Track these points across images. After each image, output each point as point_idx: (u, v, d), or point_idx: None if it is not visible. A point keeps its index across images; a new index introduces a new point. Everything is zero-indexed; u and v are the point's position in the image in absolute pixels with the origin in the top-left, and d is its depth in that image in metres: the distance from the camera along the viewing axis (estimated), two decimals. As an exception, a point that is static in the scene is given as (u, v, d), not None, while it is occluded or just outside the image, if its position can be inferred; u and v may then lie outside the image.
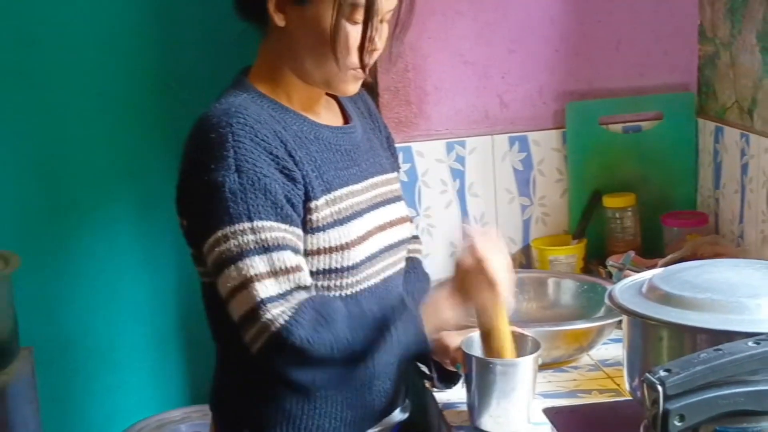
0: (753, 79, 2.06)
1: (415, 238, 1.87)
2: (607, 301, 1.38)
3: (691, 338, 1.26)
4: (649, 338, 1.33)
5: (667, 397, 1.04)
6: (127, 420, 2.69)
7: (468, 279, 1.50)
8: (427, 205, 2.26)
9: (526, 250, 2.30)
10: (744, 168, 2.10)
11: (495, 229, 1.55)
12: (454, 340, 1.67)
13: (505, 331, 1.57)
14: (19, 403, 2.40)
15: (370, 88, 1.80)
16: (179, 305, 2.76)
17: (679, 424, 1.04)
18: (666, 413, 1.04)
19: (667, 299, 1.31)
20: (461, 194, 2.27)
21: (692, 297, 1.29)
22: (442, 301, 1.53)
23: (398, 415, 1.73)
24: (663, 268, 1.42)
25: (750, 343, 1.08)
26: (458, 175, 2.26)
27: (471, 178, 2.26)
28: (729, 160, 2.16)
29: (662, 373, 1.05)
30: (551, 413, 1.45)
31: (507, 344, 1.58)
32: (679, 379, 1.04)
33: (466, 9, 2.21)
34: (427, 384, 1.77)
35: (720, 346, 1.08)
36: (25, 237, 2.62)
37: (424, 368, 1.75)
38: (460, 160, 2.26)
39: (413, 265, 1.82)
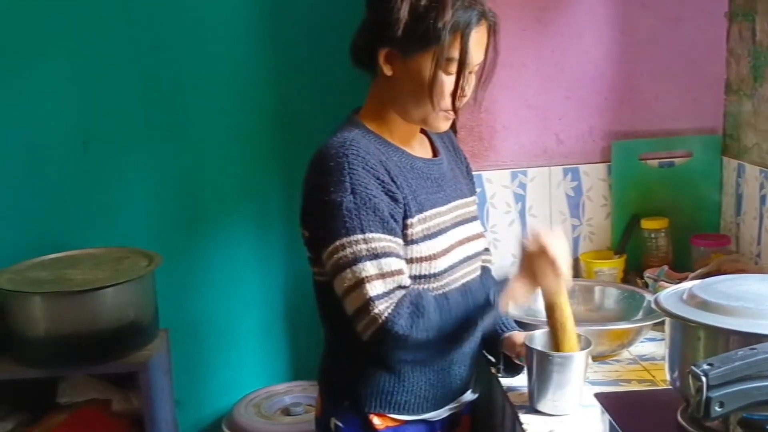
0: (772, 124, 2.02)
1: (487, 250, 1.86)
2: (653, 305, 1.36)
3: (725, 339, 1.23)
4: (689, 338, 1.30)
5: (710, 387, 1.02)
6: (241, 390, 2.72)
7: (533, 262, 1.49)
8: (493, 223, 2.25)
9: (575, 263, 2.27)
10: (762, 199, 2.05)
11: (559, 230, 1.54)
12: (520, 338, 1.66)
13: (565, 307, 1.55)
14: (157, 374, 2.44)
15: (451, 125, 1.80)
16: (286, 298, 2.78)
17: (719, 409, 1.03)
18: (708, 400, 1.02)
19: (705, 305, 1.29)
20: (522, 215, 2.26)
21: (727, 304, 1.26)
22: (512, 284, 1.51)
23: (469, 396, 1.73)
24: (701, 280, 1.39)
25: (781, 344, 1.06)
26: (520, 199, 2.25)
27: (531, 202, 2.25)
28: (749, 192, 2.12)
29: (705, 367, 1.03)
30: (601, 398, 1.43)
31: (568, 322, 1.56)
32: (720, 371, 1.02)
33: (531, 63, 2.19)
34: (493, 371, 1.77)
35: (755, 346, 1.06)
36: (166, 240, 2.65)
37: (491, 358, 1.75)
38: (522, 186, 2.24)
39: (486, 272, 1.81)
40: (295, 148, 1.67)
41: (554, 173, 2.24)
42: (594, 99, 2.22)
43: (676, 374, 1.32)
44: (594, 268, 2.19)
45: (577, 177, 2.25)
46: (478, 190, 2.21)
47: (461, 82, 1.52)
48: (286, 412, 2.60)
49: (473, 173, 2.15)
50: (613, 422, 1.35)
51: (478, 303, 1.50)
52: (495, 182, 2.23)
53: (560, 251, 1.47)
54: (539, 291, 1.55)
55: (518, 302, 1.54)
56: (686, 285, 1.38)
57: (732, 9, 2.18)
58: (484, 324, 1.53)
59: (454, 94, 1.53)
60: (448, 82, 1.52)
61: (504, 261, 2.20)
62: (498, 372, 1.74)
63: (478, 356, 1.73)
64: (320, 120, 1.65)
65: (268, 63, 2.63)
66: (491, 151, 2.23)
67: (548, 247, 1.47)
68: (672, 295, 1.36)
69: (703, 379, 1.02)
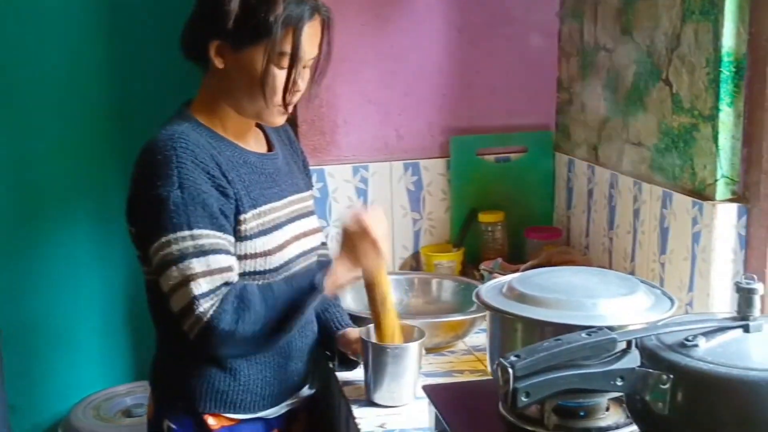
0: (598, 122, 2.11)
1: (324, 244, 1.87)
2: (474, 299, 1.39)
3: (540, 330, 1.26)
4: (507, 329, 1.34)
5: (516, 378, 1.05)
6: (80, 393, 2.64)
7: (353, 241, 1.50)
8: (336, 217, 2.25)
9: (416, 255, 2.31)
10: (590, 192, 2.14)
11: (377, 207, 1.56)
12: (354, 334, 1.67)
13: (385, 284, 1.57)
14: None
15: (291, 120, 1.79)
16: (126, 296, 2.71)
17: (525, 399, 1.06)
18: (515, 391, 1.05)
19: (522, 298, 1.32)
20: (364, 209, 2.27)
21: (541, 296, 1.30)
22: (335, 265, 1.51)
23: (307, 391, 1.73)
24: (520, 273, 1.44)
25: (583, 335, 1.10)
26: (362, 193, 2.26)
27: (372, 196, 2.26)
28: (578, 186, 2.21)
29: (513, 358, 1.06)
30: (428, 389, 1.46)
31: (387, 299, 1.58)
32: (526, 362, 1.05)
33: (371, 58, 2.21)
34: (331, 365, 1.77)
35: (560, 337, 1.09)
36: (-3, 239, 2.53)
37: (327, 353, 1.75)
38: (364, 181, 2.26)
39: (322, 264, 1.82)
40: (134, 142, 1.61)
41: (395, 168, 2.26)
42: (433, 95, 2.26)
43: (495, 365, 1.35)
44: (433, 261, 2.23)
45: (417, 172, 2.28)
46: (320, 185, 2.21)
47: (294, 76, 1.51)
48: (127, 413, 2.54)
49: (315, 168, 2.17)
50: (438, 413, 1.38)
51: (303, 288, 1.49)
52: (337, 177, 2.24)
53: (380, 230, 1.49)
54: (360, 271, 1.55)
55: (342, 283, 1.54)
56: (506, 278, 1.42)
57: (563, 10, 2.26)
58: (313, 307, 1.53)
59: (286, 89, 1.52)
60: (280, 76, 1.51)
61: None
62: (334, 367, 1.75)
63: (316, 351, 1.73)
64: (159, 114, 1.60)
65: (104, 54, 2.56)
66: (333, 145, 2.23)
67: (368, 227, 1.48)
68: (492, 288, 1.40)
69: (510, 370, 1.05)
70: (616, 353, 1.12)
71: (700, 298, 1.68)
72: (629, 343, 1.13)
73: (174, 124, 1.52)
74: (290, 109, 1.57)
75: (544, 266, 1.68)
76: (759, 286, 1.12)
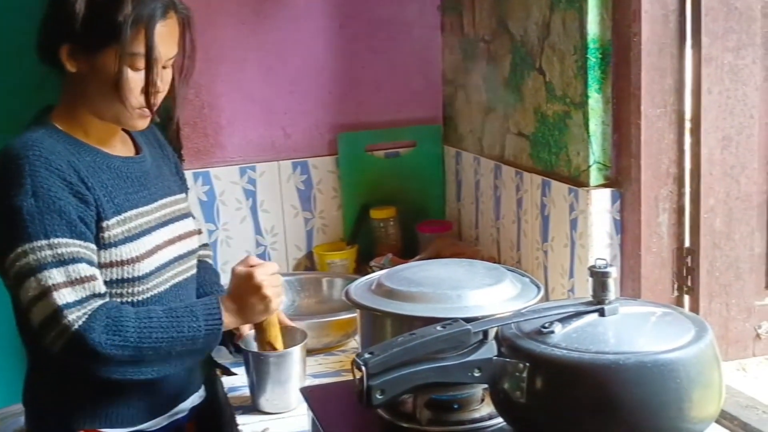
0: (481, 113, 2.12)
1: (205, 246, 1.83)
2: (343, 297, 1.38)
3: (409, 325, 1.24)
4: (377, 327, 1.33)
5: (370, 375, 1.04)
6: (-30, 415, 2.53)
7: (242, 294, 1.48)
8: (225, 220, 2.22)
9: (309, 255, 2.29)
10: (477, 184, 2.15)
11: (273, 263, 1.54)
12: (245, 327, 1.64)
13: (273, 336, 1.56)
14: None
15: (173, 122, 1.74)
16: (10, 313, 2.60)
17: (380, 397, 1.05)
18: (369, 388, 1.04)
19: (390, 293, 1.32)
20: (254, 210, 2.24)
21: (408, 291, 1.30)
22: (222, 312, 1.48)
23: (191, 401, 1.69)
24: (388, 269, 1.43)
25: (438, 327, 1.10)
26: (251, 194, 2.23)
27: (262, 197, 2.24)
28: (467, 178, 2.22)
29: (366, 356, 1.05)
30: (306, 391, 1.44)
31: (278, 338, 1.57)
32: (379, 359, 1.04)
33: (252, 56, 2.18)
34: (218, 372, 1.74)
35: (414, 331, 1.09)
36: None
37: (218, 359, 1.72)
38: (252, 182, 2.23)
39: (204, 266, 1.78)
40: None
41: (283, 167, 2.24)
42: (318, 92, 2.24)
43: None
44: (326, 260, 2.21)
45: (306, 170, 2.26)
46: (206, 187, 2.18)
47: (151, 77, 1.47)
48: (21, 434, 2.44)
49: (200, 170, 2.14)
50: (313, 415, 1.36)
51: (182, 334, 1.44)
52: (223, 179, 2.20)
53: (272, 285, 1.48)
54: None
55: (226, 325, 1.51)
56: (375, 275, 1.41)
57: (443, 2, 2.26)
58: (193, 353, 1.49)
59: (146, 91, 1.48)
60: (137, 78, 1.46)
61: (237, 260, 2.18)
62: (223, 373, 1.72)
63: (202, 360, 1.70)
64: (17, 122, 1.54)
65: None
66: (217, 147, 2.19)
67: (259, 282, 1.46)
68: (362, 285, 1.39)
69: (363, 368, 1.03)
70: (473, 345, 1.11)
71: (581, 284, 1.70)
72: (486, 333, 1.13)
73: (29, 131, 1.47)
74: (153, 111, 1.53)
75: (434, 259, 1.68)
76: (612, 270, 1.14)
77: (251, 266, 1.50)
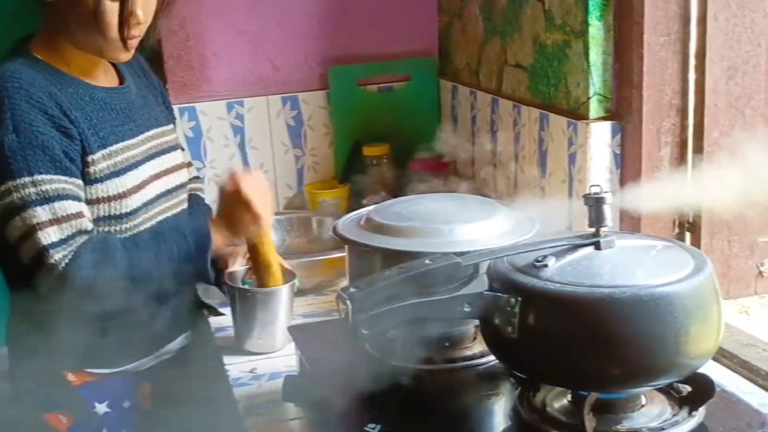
0: (477, 44, 2.07)
1: (196, 178, 1.81)
2: (331, 233, 1.35)
3: (398, 260, 1.22)
4: (366, 262, 1.30)
5: (355, 310, 1.02)
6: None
7: (230, 209, 1.46)
8: (212, 158, 2.19)
9: (300, 194, 2.27)
10: (473, 119, 2.12)
11: (259, 172, 1.51)
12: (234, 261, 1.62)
13: (268, 248, 1.54)
14: None
15: (157, 54, 1.71)
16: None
17: (366, 332, 1.03)
18: (355, 323, 1.02)
19: (379, 228, 1.29)
20: (242, 147, 2.21)
21: (397, 225, 1.27)
22: (212, 231, 1.46)
23: (178, 342, 1.68)
24: (377, 204, 1.40)
25: (427, 261, 1.07)
26: (239, 131, 2.20)
27: (250, 134, 2.21)
28: (462, 113, 2.18)
29: (352, 290, 1.03)
30: (294, 330, 1.43)
31: (272, 264, 1.55)
32: (364, 293, 1.02)
33: (239, -15, 2.14)
34: (206, 312, 1.73)
35: (402, 265, 1.06)
36: None
37: (204, 298, 1.71)
38: (240, 117, 2.19)
39: (195, 201, 1.75)
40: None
41: (272, 102, 2.21)
42: (307, 23, 2.20)
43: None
44: (318, 198, 2.19)
45: (296, 106, 2.22)
46: (192, 123, 2.14)
47: (130, 8, 1.43)
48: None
49: (186, 105, 2.10)
50: (300, 353, 1.35)
51: (172, 254, 1.43)
52: (210, 114, 2.17)
53: (259, 195, 1.45)
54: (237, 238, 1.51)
55: (217, 247, 1.49)
56: (364, 210, 1.38)
57: (438, -71, 2.21)
58: (185, 274, 1.47)
59: (122, 22, 1.44)
60: (114, 9, 1.42)
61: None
62: (211, 314, 1.71)
63: (188, 300, 1.68)
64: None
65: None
66: (203, 81, 2.16)
67: (245, 192, 1.44)
68: (352, 220, 1.36)
69: (348, 303, 1.01)
70: (463, 279, 1.09)
71: (579, 219, 1.68)
72: (477, 267, 1.10)
73: (7, 61, 1.43)
74: (134, 43, 1.49)
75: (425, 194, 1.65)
76: (608, 196, 1.11)
77: (236, 181, 1.47)
